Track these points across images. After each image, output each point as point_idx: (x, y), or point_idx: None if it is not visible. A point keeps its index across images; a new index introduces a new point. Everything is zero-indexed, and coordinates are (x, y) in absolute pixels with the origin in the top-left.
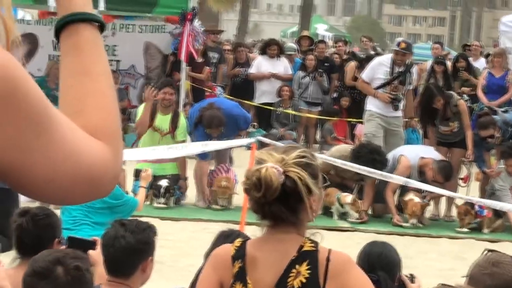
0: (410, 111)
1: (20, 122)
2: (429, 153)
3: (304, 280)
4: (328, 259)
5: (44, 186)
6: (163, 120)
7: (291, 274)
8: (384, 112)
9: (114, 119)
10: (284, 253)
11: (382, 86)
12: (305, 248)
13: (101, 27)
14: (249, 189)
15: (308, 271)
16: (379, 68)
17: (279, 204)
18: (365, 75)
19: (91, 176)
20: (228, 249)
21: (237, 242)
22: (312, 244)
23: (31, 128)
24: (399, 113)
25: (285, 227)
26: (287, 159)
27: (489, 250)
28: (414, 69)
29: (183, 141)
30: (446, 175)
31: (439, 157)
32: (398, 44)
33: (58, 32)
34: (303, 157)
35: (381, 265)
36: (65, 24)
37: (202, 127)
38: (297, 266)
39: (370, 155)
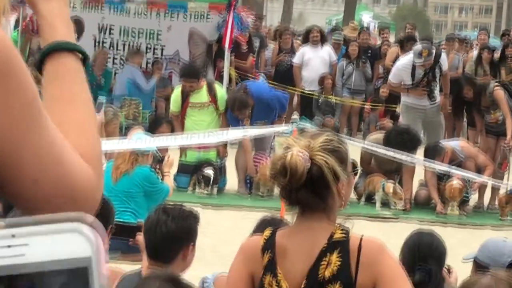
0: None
1: (15, 104)
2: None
3: (335, 270)
4: (359, 248)
5: (30, 187)
6: (198, 95)
7: (322, 264)
8: (420, 103)
9: (95, 145)
10: (314, 242)
11: (413, 86)
12: (335, 237)
13: (84, 60)
14: (275, 175)
15: (339, 260)
16: (403, 75)
17: (306, 190)
18: (392, 79)
19: (75, 185)
20: (257, 240)
21: (267, 232)
22: (343, 232)
23: (24, 117)
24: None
25: (314, 215)
26: (313, 144)
27: None
28: (443, 56)
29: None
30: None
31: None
32: (420, 54)
33: (42, 61)
34: (329, 141)
35: (432, 256)
36: (50, 52)
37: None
38: (328, 255)
39: (400, 136)
